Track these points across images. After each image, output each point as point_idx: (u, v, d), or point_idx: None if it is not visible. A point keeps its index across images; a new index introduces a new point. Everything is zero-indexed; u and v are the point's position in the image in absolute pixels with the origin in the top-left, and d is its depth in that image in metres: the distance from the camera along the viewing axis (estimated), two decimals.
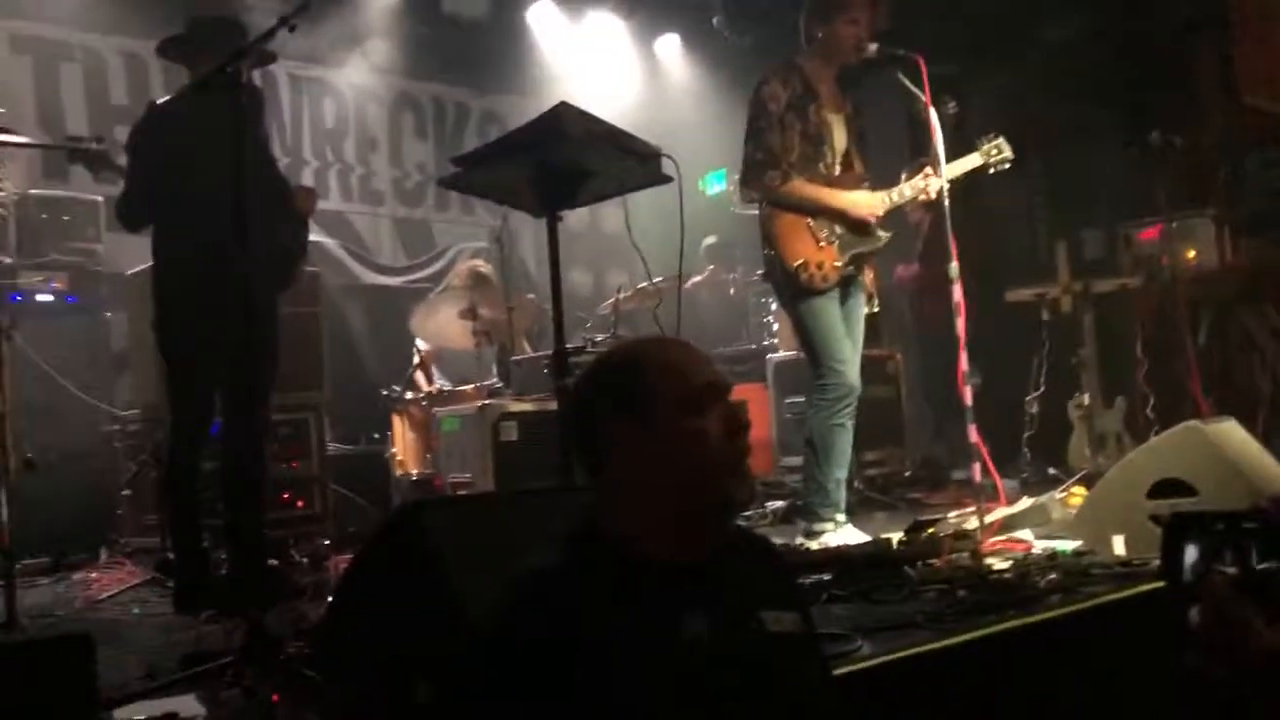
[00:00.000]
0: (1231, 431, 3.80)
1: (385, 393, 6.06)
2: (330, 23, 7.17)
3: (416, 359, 6.41)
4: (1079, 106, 6.72)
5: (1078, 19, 7.06)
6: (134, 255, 6.16)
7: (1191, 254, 5.96)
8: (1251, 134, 6.27)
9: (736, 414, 1.63)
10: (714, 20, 8.21)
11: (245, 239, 2.74)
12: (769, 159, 4.12)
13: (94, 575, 4.65)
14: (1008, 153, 4.40)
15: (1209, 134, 6.04)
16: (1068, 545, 3.60)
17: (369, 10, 7.47)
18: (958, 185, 4.34)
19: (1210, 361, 5.74)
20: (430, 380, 6.39)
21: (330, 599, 2.88)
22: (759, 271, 6.83)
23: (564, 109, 2.97)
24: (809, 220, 4.15)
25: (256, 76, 3.38)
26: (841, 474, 4.23)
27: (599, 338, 5.76)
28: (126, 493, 5.23)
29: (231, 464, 3.85)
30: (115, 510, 5.32)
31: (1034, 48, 7.07)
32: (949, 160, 4.19)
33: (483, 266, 6.52)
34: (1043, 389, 6.01)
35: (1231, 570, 1.07)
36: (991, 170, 4.43)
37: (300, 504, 5.02)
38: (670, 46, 8.65)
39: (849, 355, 4.15)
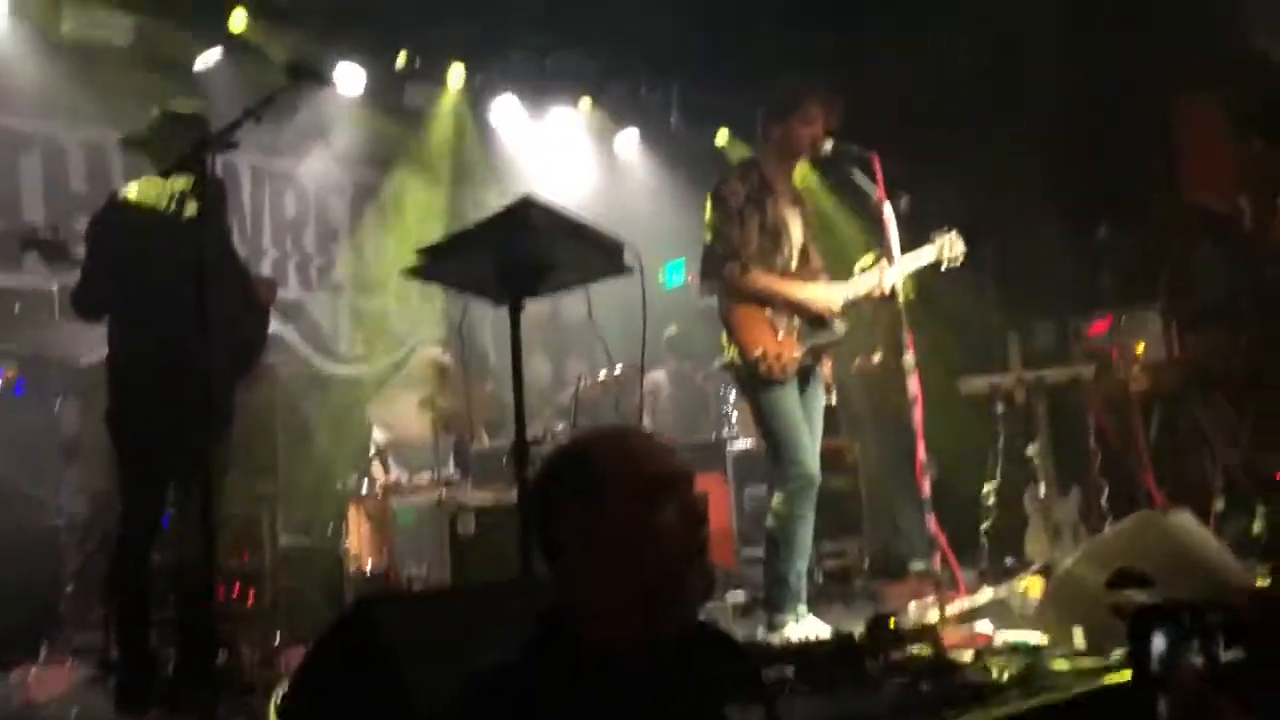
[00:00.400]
0: (1186, 522, 3.83)
1: (340, 484, 5.97)
2: (294, 116, 7.24)
3: (373, 449, 6.34)
4: (1029, 200, 6.90)
5: (1027, 116, 7.29)
6: (88, 344, 6.10)
7: (1140, 347, 6.08)
8: (1196, 231, 6.46)
9: (693, 505, 1.63)
10: (672, 119, 8.39)
11: (206, 331, 2.72)
12: (728, 251, 4.18)
13: (33, 673, 4.48)
14: (961, 246, 4.52)
15: (1155, 229, 6.21)
16: (1028, 637, 3.59)
17: (332, 103, 7.54)
18: (912, 278, 4.43)
19: (1162, 453, 5.82)
20: (386, 471, 6.31)
21: (281, 696, 2.79)
22: (718, 362, 6.91)
23: (529, 201, 3.00)
24: (767, 312, 4.20)
25: (218, 168, 3.39)
26: (803, 566, 4.21)
27: (559, 426, 5.75)
28: (70, 586, 5.08)
29: (183, 557, 3.76)
30: (57, 604, 5.15)
31: (985, 143, 7.27)
32: (904, 254, 4.28)
33: (442, 356, 6.50)
34: (999, 480, 6.06)
35: (1199, 661, 1.07)
36: (945, 264, 4.52)
37: (250, 598, 4.90)
38: (629, 142, 8.80)
39: (808, 446, 4.17)
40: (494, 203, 8.07)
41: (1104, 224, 5.93)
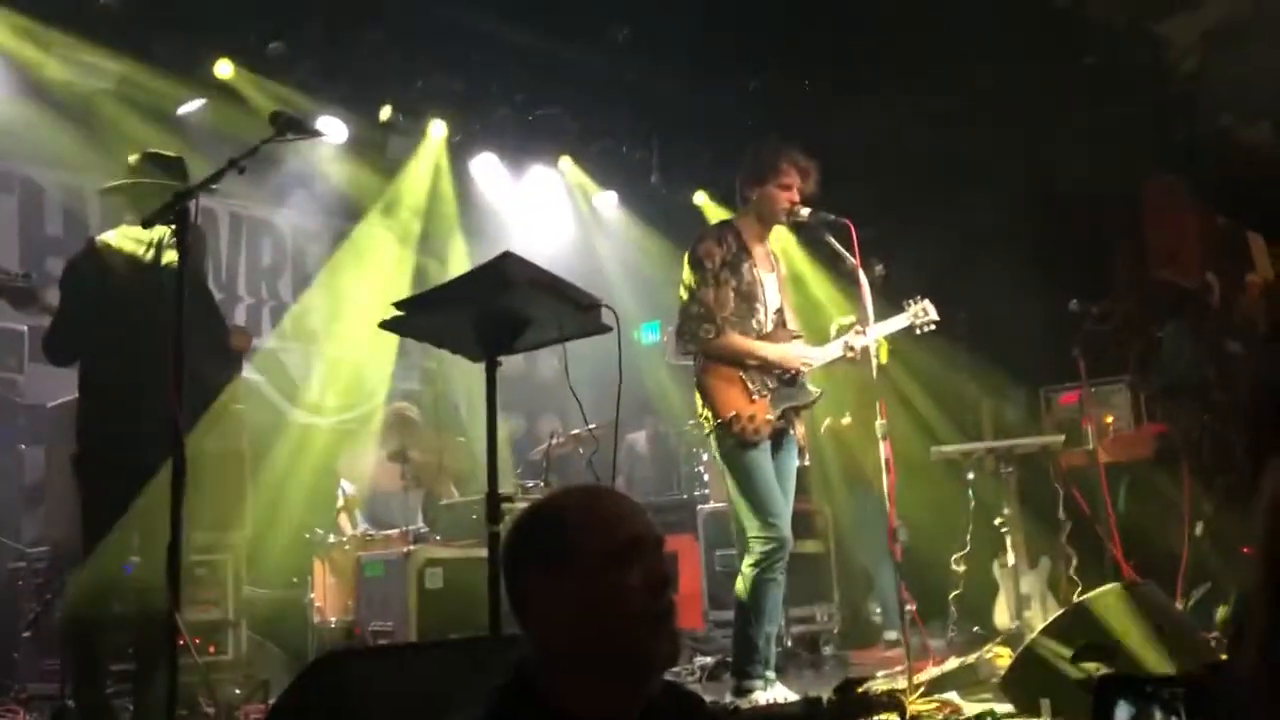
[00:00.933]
0: (1153, 595, 3.86)
1: (308, 535, 5.92)
2: (276, 164, 7.27)
3: (341, 501, 6.28)
4: (1003, 272, 7.00)
5: (999, 189, 7.42)
6: (57, 387, 6.03)
7: (1109, 419, 6.15)
8: (1164, 305, 6.56)
9: (659, 569, 1.63)
10: (652, 178, 8.48)
11: (180, 382, 2.72)
12: (704, 313, 4.21)
13: None
14: (933, 314, 4.60)
15: (1124, 303, 6.30)
16: (996, 707, 3.59)
17: (315, 153, 7.57)
18: (886, 344, 4.48)
19: (1130, 525, 5.85)
20: (354, 524, 6.26)
21: None
22: (691, 421, 6.92)
23: (509, 258, 3.02)
24: (742, 373, 4.22)
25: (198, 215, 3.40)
26: (772, 630, 4.19)
27: (530, 483, 5.72)
28: (27, 634, 4.98)
29: (144, 606, 3.69)
30: (12, 653, 5.04)
31: (960, 214, 7.39)
32: (878, 320, 4.33)
33: (409, 410, 6.49)
34: (968, 548, 6.06)
35: None
36: (918, 331, 4.59)
37: (212, 649, 4.82)
38: (608, 202, 8.88)
39: (781, 509, 4.16)
40: (472, 258, 8.17)
41: (1075, 297, 6.01)
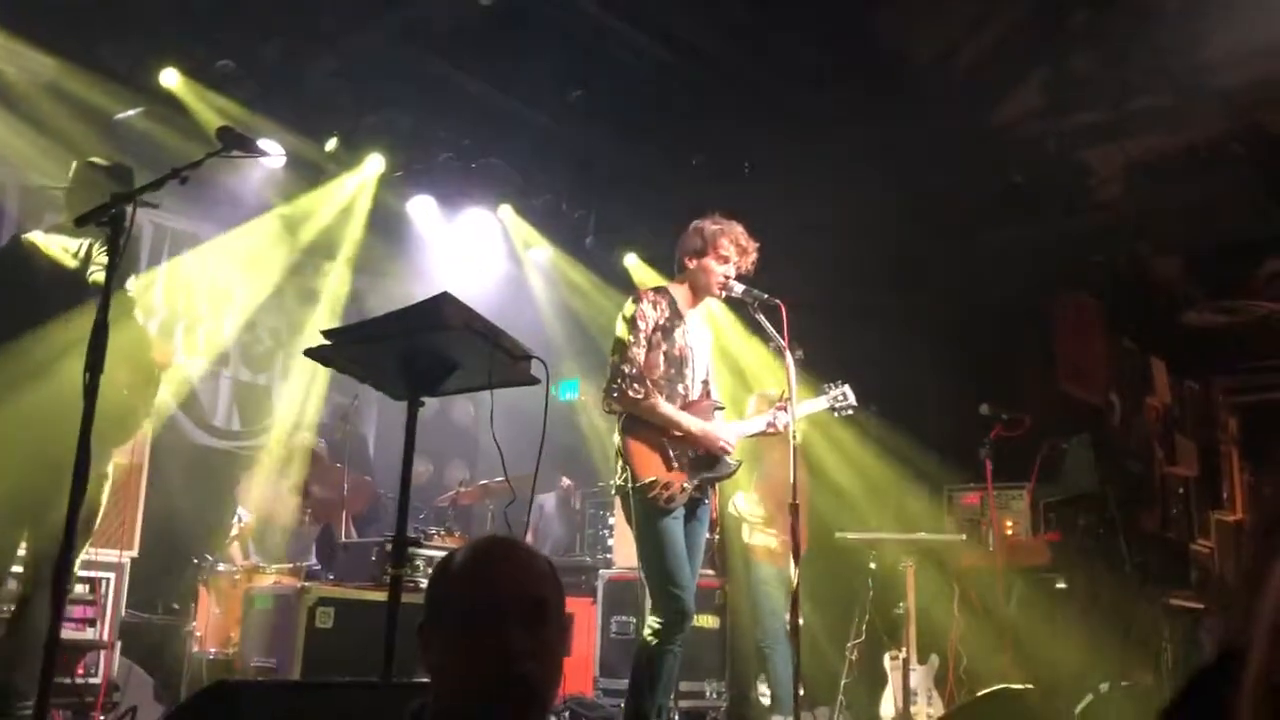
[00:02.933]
0: (1035, 702, 3.92)
1: (196, 561, 5.72)
2: (206, 179, 7.13)
3: (235, 529, 6.10)
4: (918, 369, 7.17)
5: (923, 290, 7.63)
6: None
7: (1009, 524, 6.29)
8: (1068, 419, 6.77)
9: (511, 640, 1.62)
10: (587, 241, 8.53)
11: (94, 391, 2.63)
12: (635, 373, 4.21)
13: None
14: (851, 400, 4.68)
15: (1032, 412, 6.48)
16: None
17: (249, 172, 7.45)
18: (804, 424, 4.53)
19: (1019, 628, 5.97)
20: (246, 554, 6.07)
21: None
22: (600, 483, 6.90)
23: (446, 298, 3.00)
24: (665, 439, 4.23)
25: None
26: (665, 702, 4.14)
27: (433, 530, 5.63)
28: None
29: (23, 623, 3.51)
30: None
31: (883, 309, 7.57)
32: (799, 400, 4.39)
33: (316, 444, 6.36)
34: (863, 637, 6.11)
35: None
36: (836, 414, 4.67)
37: (80, 670, 4.60)
38: (542, 256, 8.89)
39: (688, 580, 4.14)
40: (395, 294, 8.09)
41: (985, 402, 6.18)
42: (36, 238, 3.91)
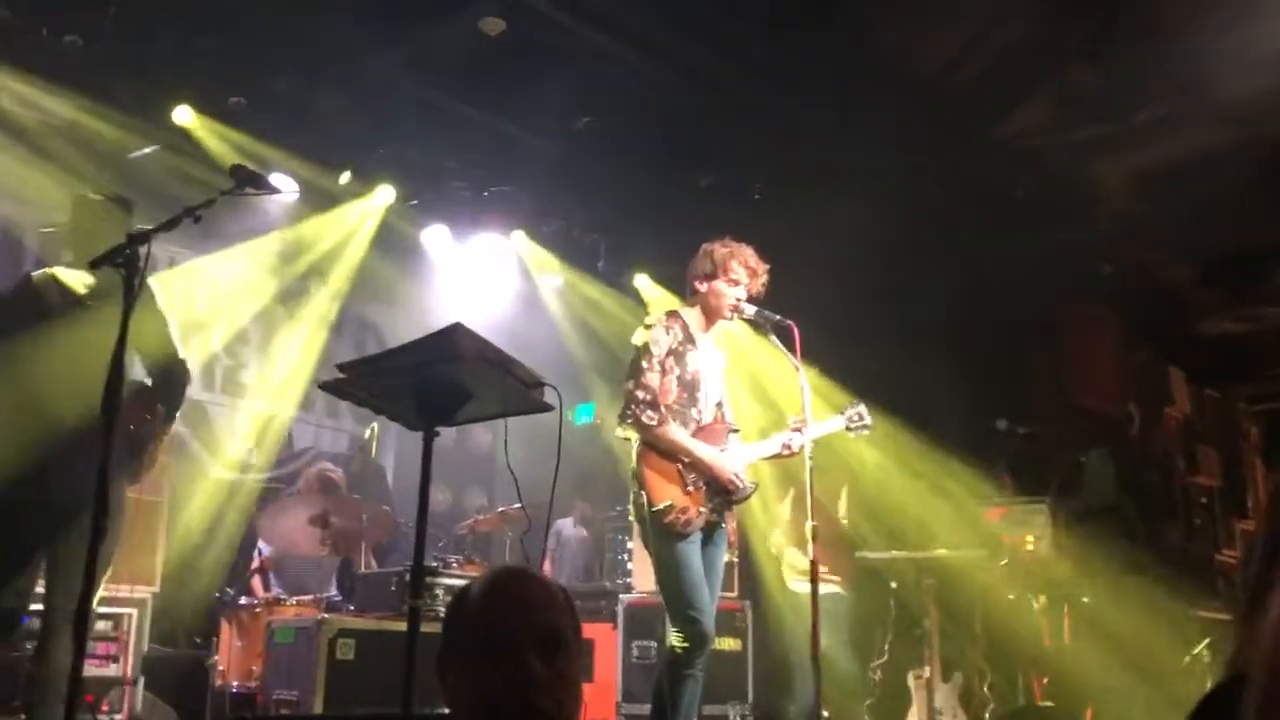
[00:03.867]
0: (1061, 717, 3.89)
1: (218, 594, 5.74)
2: (220, 213, 7.18)
3: (256, 562, 6.12)
4: (935, 387, 7.14)
5: (933, 305, 7.62)
6: None
7: (1029, 539, 6.25)
8: (1086, 432, 6.73)
9: (522, 673, 1.63)
10: (599, 265, 8.57)
11: (113, 424, 2.66)
12: (649, 399, 4.22)
13: None
14: (867, 419, 4.66)
15: (1048, 425, 6.46)
16: None
17: (264, 208, 7.52)
18: (821, 445, 4.52)
19: (1043, 645, 5.93)
20: (267, 586, 6.09)
21: None
22: (618, 507, 6.90)
23: (459, 329, 3.01)
24: (679, 464, 4.23)
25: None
26: None
27: (452, 559, 5.63)
28: None
29: (45, 660, 3.52)
30: None
31: (895, 326, 7.55)
32: (815, 420, 4.39)
33: (334, 473, 6.38)
34: (886, 656, 6.08)
35: None
36: (852, 434, 4.65)
37: (105, 708, 4.62)
38: (552, 281, 8.92)
39: (706, 604, 4.13)
40: (411, 324, 8.12)
41: (1004, 419, 6.16)
42: (58, 272, 3.96)
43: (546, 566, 6.65)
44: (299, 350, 8.44)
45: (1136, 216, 7.48)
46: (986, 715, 5.70)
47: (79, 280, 3.91)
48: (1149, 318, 8.26)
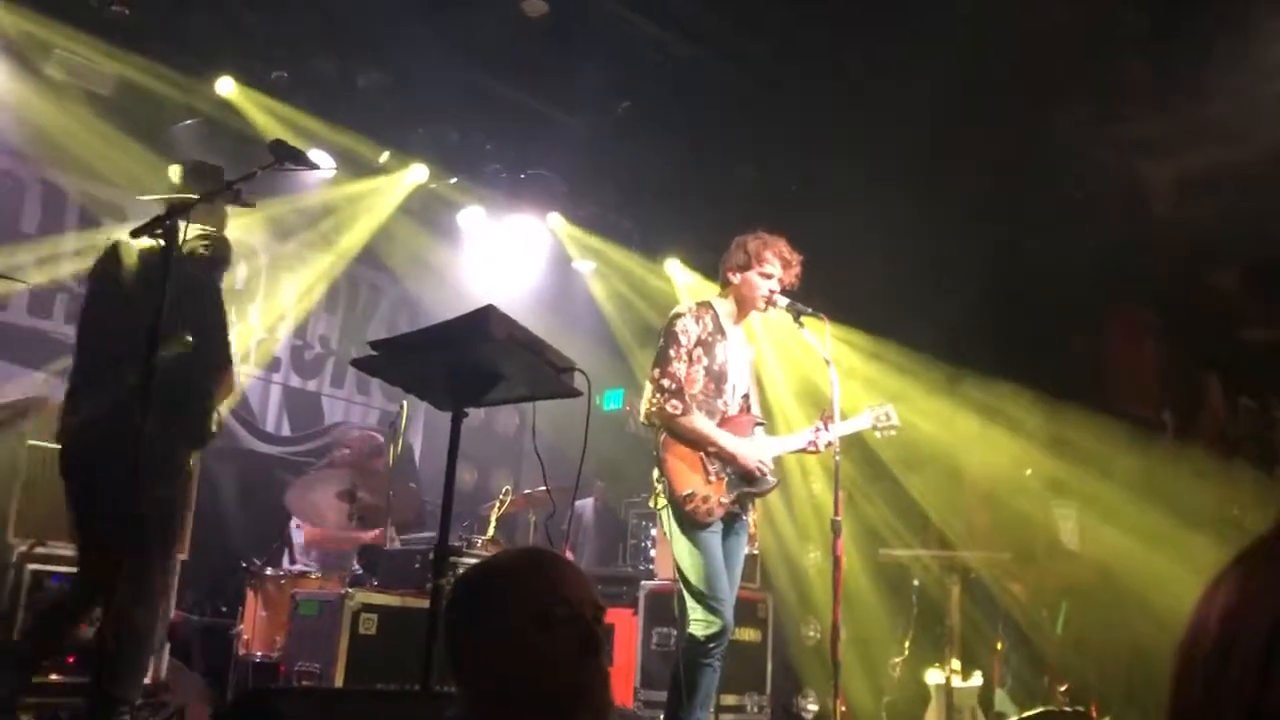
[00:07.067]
0: None
1: (245, 564, 5.80)
2: (265, 189, 7.24)
3: (302, 537, 6.19)
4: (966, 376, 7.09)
5: (969, 302, 7.54)
6: (9, 383, 5.94)
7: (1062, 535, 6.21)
8: (1121, 435, 6.65)
9: (587, 638, 1.62)
10: (633, 250, 8.57)
11: (149, 391, 2.69)
12: (675, 388, 4.22)
13: None
14: (895, 419, 4.62)
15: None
16: None
17: (304, 182, 7.56)
18: (845, 442, 4.50)
19: (1067, 648, 5.88)
20: (293, 558, 6.16)
21: None
22: (642, 494, 6.90)
23: (491, 311, 3.02)
24: (702, 453, 4.23)
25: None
26: (704, 716, 4.14)
27: (476, 539, 5.66)
28: None
29: (119, 628, 3.59)
30: None
31: (930, 322, 7.50)
32: (844, 417, 4.37)
33: (379, 438, 6.43)
34: (906, 653, 6.06)
35: None
36: (879, 434, 4.62)
37: None
38: (589, 266, 8.94)
39: (726, 593, 4.14)
40: (448, 303, 8.16)
41: (1032, 414, 6.11)
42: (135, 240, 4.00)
43: (566, 552, 6.66)
44: (336, 328, 8.51)
45: (1181, 219, 7.37)
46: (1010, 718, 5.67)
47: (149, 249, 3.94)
48: (1190, 322, 8.14)
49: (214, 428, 4.00)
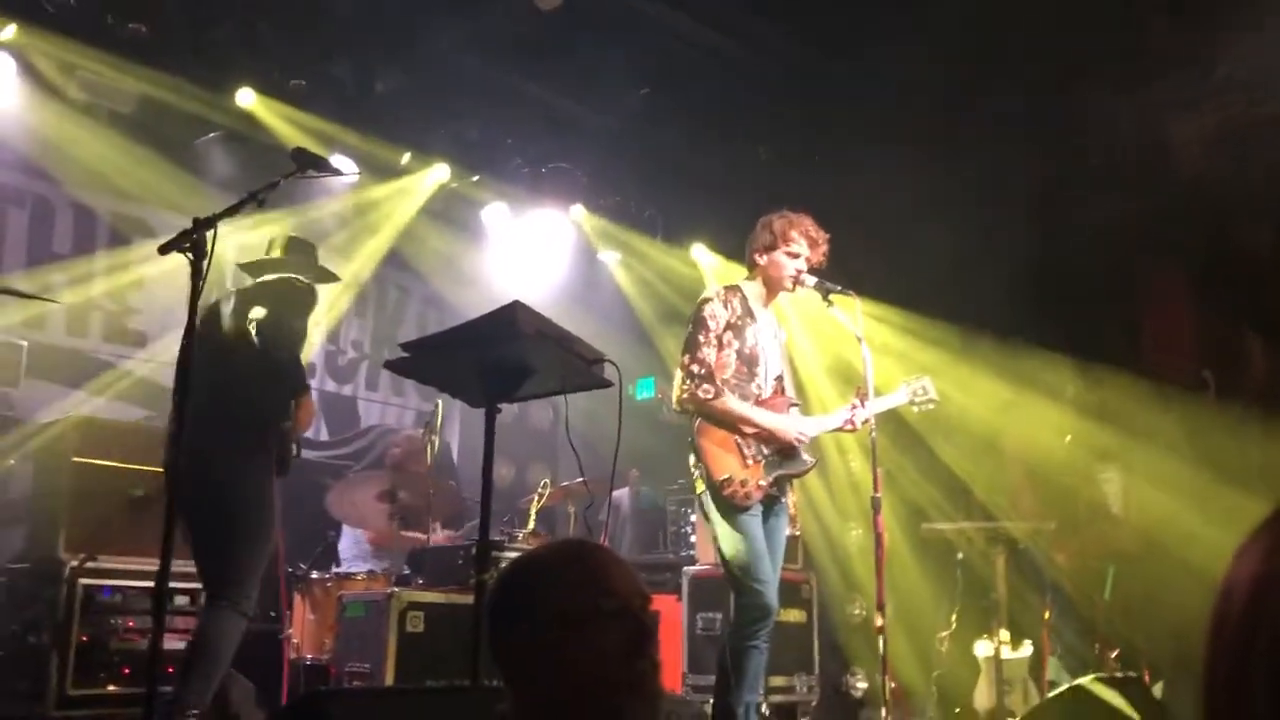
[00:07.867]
0: (1117, 698, 3.82)
1: (290, 569, 5.85)
2: (289, 198, 7.29)
3: (328, 538, 6.24)
4: (998, 342, 7.04)
5: (999, 274, 7.47)
6: (49, 402, 6.02)
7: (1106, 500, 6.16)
8: (1158, 397, 6.57)
9: (638, 631, 1.62)
10: (657, 238, 8.55)
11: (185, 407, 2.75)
12: (705, 373, 4.21)
13: None
14: (932, 393, 4.59)
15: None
16: None
17: (328, 189, 7.61)
18: (881, 418, 4.48)
19: (1115, 615, 5.83)
20: (338, 560, 6.22)
21: None
22: (680, 480, 6.91)
23: (518, 307, 3.04)
24: (737, 437, 4.22)
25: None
26: (753, 698, 4.14)
27: (517, 533, 5.69)
28: None
29: (197, 637, 3.97)
30: None
31: (960, 294, 7.44)
32: (879, 393, 4.35)
33: (419, 440, 6.47)
34: (954, 626, 6.03)
35: None
36: (917, 408, 4.59)
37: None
38: (615, 256, 8.94)
39: (769, 575, 4.13)
40: (475, 301, 8.19)
41: (1071, 381, 6.05)
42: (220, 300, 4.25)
43: (604, 542, 6.68)
44: (366, 330, 8.56)
45: (1210, 178, 7.26)
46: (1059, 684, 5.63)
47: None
48: (1226, 281, 8.03)
49: (295, 453, 4.18)
